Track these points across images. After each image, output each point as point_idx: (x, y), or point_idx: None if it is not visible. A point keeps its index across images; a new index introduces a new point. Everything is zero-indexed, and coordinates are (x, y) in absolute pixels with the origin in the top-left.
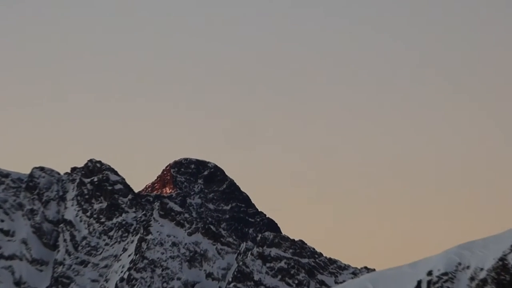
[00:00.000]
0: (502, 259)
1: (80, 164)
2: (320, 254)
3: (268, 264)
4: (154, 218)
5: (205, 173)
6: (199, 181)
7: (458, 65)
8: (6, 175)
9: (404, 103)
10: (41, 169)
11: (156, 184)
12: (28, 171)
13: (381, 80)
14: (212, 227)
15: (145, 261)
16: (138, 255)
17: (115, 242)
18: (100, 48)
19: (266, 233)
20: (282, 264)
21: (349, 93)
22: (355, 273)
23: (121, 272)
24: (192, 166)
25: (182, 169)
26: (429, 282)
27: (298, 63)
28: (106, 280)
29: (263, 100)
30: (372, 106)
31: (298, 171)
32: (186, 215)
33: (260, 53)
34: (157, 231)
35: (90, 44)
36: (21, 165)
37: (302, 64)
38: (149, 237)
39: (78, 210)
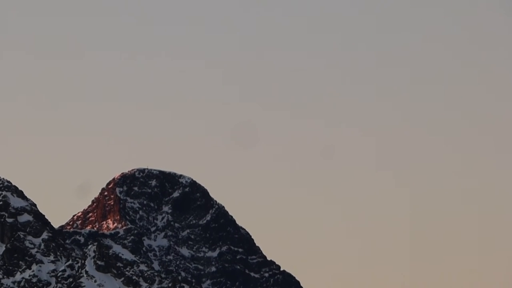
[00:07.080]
0: None
1: None
2: None
3: None
4: (86, 271)
5: (176, 194)
6: (166, 207)
7: None
8: None
9: None
10: None
11: (90, 214)
12: None
13: None
14: (187, 287)
15: None
16: None
17: None
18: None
19: None
20: None
21: None
22: None
23: None
24: (153, 182)
25: (136, 188)
26: None
27: None
28: None
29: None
30: None
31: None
32: (143, 266)
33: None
34: None
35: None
36: None
37: None
38: None
39: None
